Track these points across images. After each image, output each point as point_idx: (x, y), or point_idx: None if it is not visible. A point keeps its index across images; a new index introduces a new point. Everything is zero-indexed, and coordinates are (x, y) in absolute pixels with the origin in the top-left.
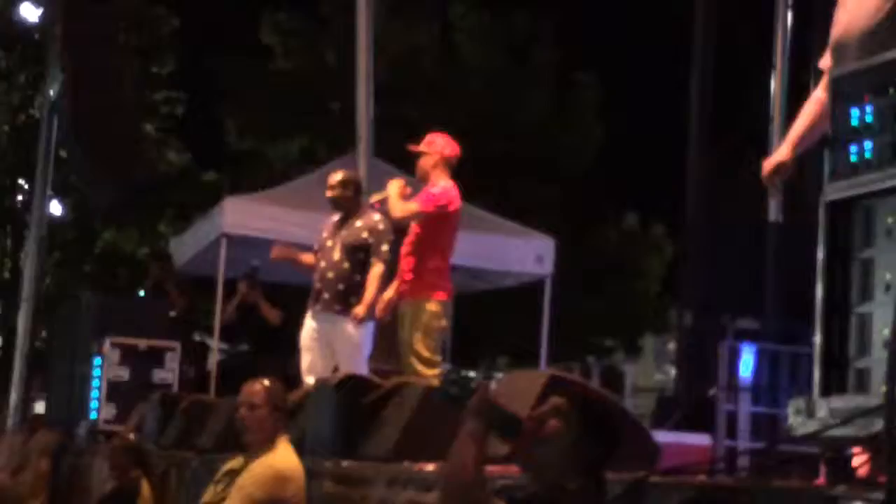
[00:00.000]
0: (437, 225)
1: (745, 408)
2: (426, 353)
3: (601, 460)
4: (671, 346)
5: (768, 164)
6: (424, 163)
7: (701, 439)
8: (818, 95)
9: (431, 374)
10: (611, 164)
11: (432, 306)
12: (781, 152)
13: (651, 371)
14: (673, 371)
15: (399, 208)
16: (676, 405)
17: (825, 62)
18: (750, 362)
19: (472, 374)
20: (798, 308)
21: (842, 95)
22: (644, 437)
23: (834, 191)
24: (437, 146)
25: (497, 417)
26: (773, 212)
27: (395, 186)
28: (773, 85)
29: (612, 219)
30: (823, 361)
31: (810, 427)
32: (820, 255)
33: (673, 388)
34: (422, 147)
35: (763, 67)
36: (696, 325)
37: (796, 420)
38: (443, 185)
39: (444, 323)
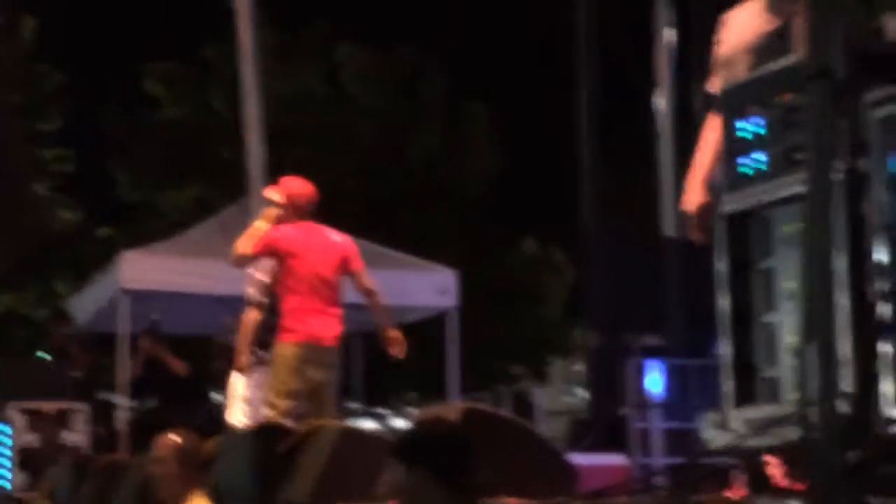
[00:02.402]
0: (279, 266)
1: (657, 424)
2: (270, 393)
3: (460, 487)
4: (577, 368)
5: (691, 214)
6: (276, 209)
7: (616, 459)
8: (713, 122)
9: (272, 415)
10: (506, 191)
11: (281, 348)
12: (696, 196)
13: (559, 395)
14: (581, 393)
15: (234, 250)
16: (589, 427)
17: (713, 85)
18: (658, 379)
19: None
20: (701, 321)
21: (731, 109)
22: (560, 462)
23: (730, 202)
24: (287, 191)
25: None
26: (668, 227)
27: (264, 219)
28: (659, 102)
29: (510, 245)
30: (734, 373)
31: (725, 439)
32: (721, 267)
33: (582, 411)
34: (273, 194)
35: (648, 85)
36: (602, 346)
37: (711, 433)
38: (273, 229)
39: (294, 365)
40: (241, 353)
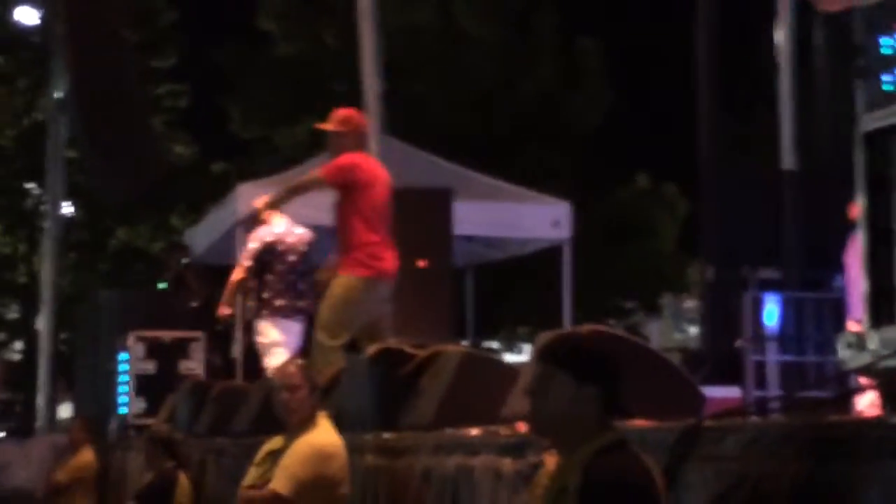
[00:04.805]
0: (349, 196)
1: (772, 357)
2: (329, 322)
3: (613, 411)
4: (688, 304)
5: None
6: (338, 140)
7: (731, 392)
8: None
9: (332, 345)
10: (618, 126)
11: (347, 280)
12: None
13: (670, 331)
14: (692, 330)
15: (301, 178)
16: (702, 360)
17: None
18: (774, 312)
19: None
20: (818, 254)
21: (871, 26)
22: (688, 386)
23: (871, 121)
24: (350, 121)
25: None
26: (787, 160)
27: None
28: (779, 35)
29: (623, 179)
30: (872, 293)
31: (862, 360)
32: (859, 186)
33: (693, 347)
34: (336, 125)
35: (767, 18)
36: (717, 279)
37: (847, 354)
38: (348, 156)
39: (360, 298)
40: (224, 304)
